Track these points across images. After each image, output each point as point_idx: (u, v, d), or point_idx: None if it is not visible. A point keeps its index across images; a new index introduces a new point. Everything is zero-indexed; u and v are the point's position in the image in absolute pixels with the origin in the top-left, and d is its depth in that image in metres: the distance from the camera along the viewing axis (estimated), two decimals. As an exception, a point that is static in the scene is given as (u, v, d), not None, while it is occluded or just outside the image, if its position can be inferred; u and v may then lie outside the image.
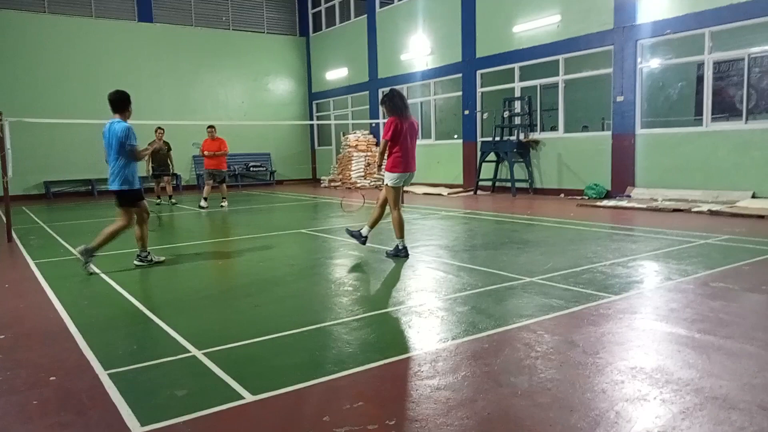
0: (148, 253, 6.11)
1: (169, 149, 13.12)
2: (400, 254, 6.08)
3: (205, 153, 12.16)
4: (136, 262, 6.06)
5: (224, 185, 12.55)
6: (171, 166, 13.38)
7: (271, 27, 21.36)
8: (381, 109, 6.15)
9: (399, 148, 5.96)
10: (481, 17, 14.37)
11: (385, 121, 6.03)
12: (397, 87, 17.30)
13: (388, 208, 6.24)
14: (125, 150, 5.67)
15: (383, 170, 6.14)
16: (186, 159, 19.08)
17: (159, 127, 12.75)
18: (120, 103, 5.89)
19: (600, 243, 6.73)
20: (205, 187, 12.29)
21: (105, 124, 5.94)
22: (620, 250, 6.17)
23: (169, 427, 2.44)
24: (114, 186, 5.79)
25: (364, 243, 6.48)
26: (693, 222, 8.15)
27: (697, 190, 10.34)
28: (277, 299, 4.71)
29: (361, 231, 6.44)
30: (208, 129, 12.31)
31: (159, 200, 13.16)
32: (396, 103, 5.97)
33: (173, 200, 13.74)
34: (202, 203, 12.03)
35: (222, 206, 12.15)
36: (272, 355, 3.34)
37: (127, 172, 5.73)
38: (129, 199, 5.84)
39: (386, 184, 6.10)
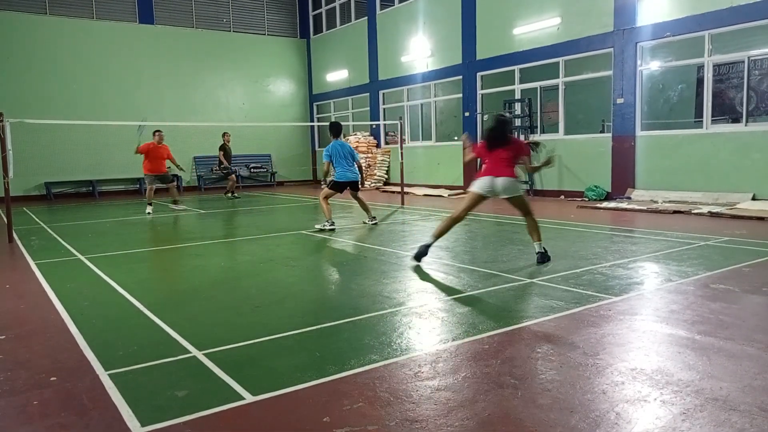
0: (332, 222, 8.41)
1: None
2: (422, 254, 5.80)
3: (142, 154, 11.68)
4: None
5: (173, 186, 12.29)
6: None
7: (272, 29, 21.39)
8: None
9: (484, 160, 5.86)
10: (482, 19, 14.39)
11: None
12: (398, 89, 17.45)
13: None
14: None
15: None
16: (187, 160, 19.09)
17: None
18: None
19: (600, 244, 6.73)
20: (149, 191, 11.84)
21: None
22: (620, 251, 6.17)
23: (169, 428, 2.44)
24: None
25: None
26: (693, 224, 8.15)
27: (698, 191, 10.34)
28: (277, 300, 4.71)
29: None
30: (157, 133, 11.88)
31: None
32: (492, 134, 5.86)
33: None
34: (148, 209, 11.53)
35: (176, 209, 11.89)
36: (272, 356, 3.35)
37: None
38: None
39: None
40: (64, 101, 16.93)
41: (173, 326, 3.87)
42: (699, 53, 10.55)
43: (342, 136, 8.85)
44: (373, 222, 8.92)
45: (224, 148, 14.91)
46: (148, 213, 11.41)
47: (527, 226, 5.90)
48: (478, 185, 5.77)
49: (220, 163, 15.18)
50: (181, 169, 12.75)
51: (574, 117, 13.36)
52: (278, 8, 21.50)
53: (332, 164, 8.52)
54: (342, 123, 9.22)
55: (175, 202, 12.18)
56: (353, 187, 8.80)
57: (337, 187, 8.64)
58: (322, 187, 9.07)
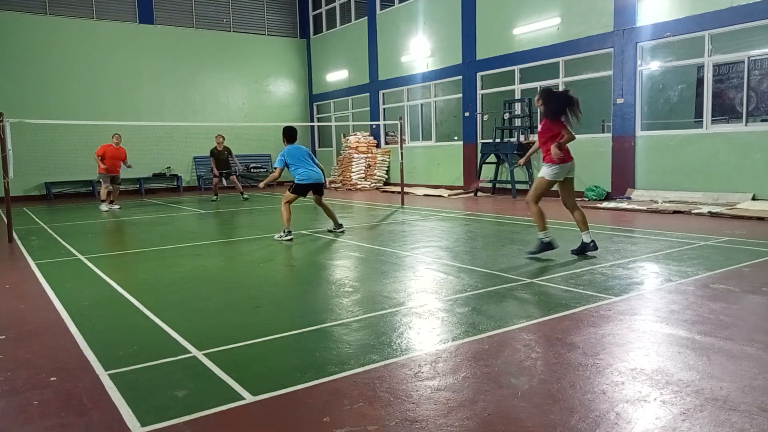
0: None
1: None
2: (547, 248, 5.80)
3: (101, 159, 12.73)
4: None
5: (118, 188, 13.49)
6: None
7: (272, 29, 21.39)
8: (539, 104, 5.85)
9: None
10: (482, 19, 14.39)
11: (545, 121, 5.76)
12: (398, 89, 17.46)
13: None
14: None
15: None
16: (187, 160, 19.11)
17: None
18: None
19: (600, 244, 6.71)
20: (103, 190, 12.95)
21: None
22: (620, 251, 6.17)
23: (169, 428, 2.44)
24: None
25: (550, 246, 5.85)
26: (693, 224, 8.16)
27: (698, 192, 10.35)
28: (277, 300, 4.71)
29: (542, 239, 5.84)
30: (115, 135, 12.92)
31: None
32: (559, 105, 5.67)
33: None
34: (103, 207, 12.72)
35: (114, 207, 12.89)
36: (272, 356, 3.35)
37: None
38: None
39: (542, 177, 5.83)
40: (64, 101, 16.93)
41: (173, 326, 3.87)
42: (699, 53, 10.55)
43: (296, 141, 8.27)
44: (341, 230, 8.14)
45: (212, 153, 14.63)
46: (106, 210, 12.53)
47: (577, 215, 5.96)
48: (558, 171, 5.70)
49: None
50: (129, 166, 13.39)
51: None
52: (278, 8, 21.49)
53: (288, 169, 7.98)
54: (342, 123, 9.12)
55: (111, 201, 13.15)
56: (317, 191, 8.07)
57: (300, 189, 7.90)
58: (261, 185, 8.73)
